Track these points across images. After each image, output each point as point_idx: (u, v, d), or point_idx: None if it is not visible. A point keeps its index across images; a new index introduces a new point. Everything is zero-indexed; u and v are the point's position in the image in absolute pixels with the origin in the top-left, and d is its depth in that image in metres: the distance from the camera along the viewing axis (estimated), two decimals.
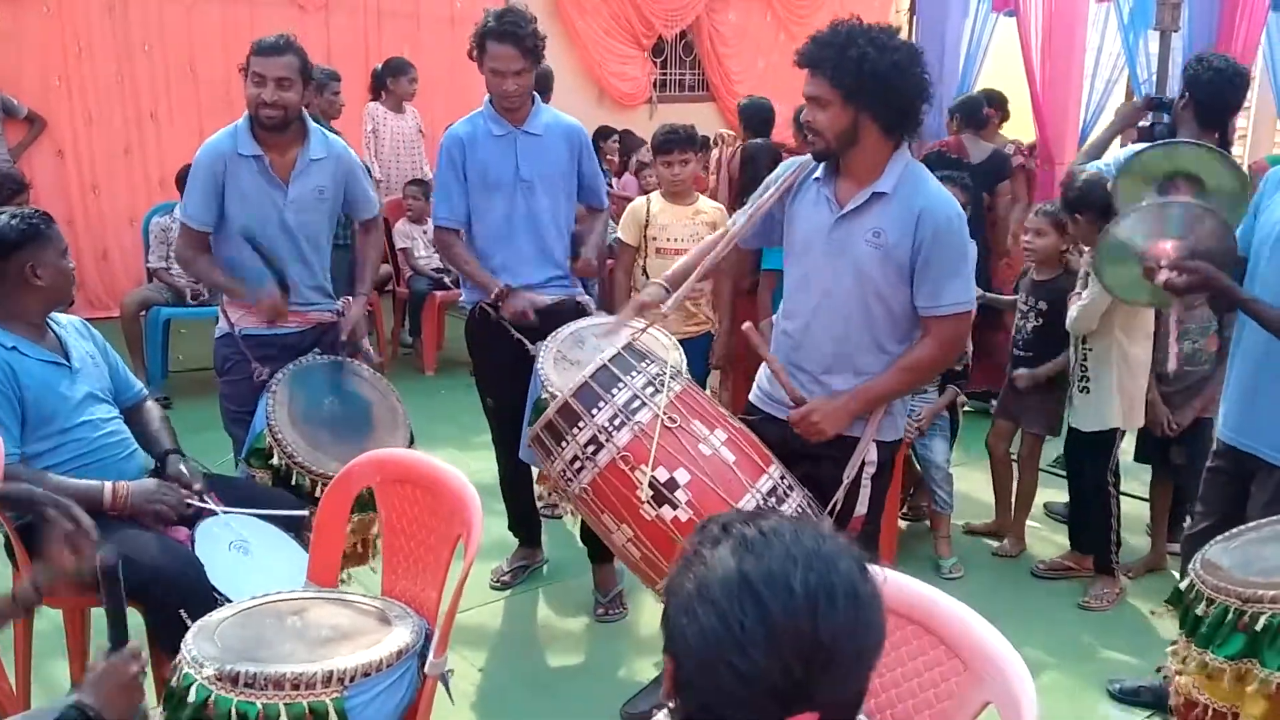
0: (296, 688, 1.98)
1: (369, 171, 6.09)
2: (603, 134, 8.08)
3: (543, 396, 3.16)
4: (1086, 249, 3.94)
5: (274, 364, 3.40)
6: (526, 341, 3.52)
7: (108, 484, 2.70)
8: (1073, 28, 8.22)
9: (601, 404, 2.55)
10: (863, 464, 2.69)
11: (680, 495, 2.47)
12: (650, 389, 2.58)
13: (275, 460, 3.17)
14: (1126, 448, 3.99)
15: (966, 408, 4.42)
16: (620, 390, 2.57)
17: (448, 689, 2.24)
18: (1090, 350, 3.76)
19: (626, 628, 3.68)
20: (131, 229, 7.17)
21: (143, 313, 5.93)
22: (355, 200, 3.68)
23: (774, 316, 2.95)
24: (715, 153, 6.06)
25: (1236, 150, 9.26)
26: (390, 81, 7.33)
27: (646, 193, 5.05)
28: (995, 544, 4.36)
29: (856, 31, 2.51)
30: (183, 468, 2.91)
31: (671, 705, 1.20)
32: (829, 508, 2.66)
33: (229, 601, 2.40)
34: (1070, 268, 4.07)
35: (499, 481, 3.90)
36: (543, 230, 3.66)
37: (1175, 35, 5.60)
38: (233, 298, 3.50)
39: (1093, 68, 8.46)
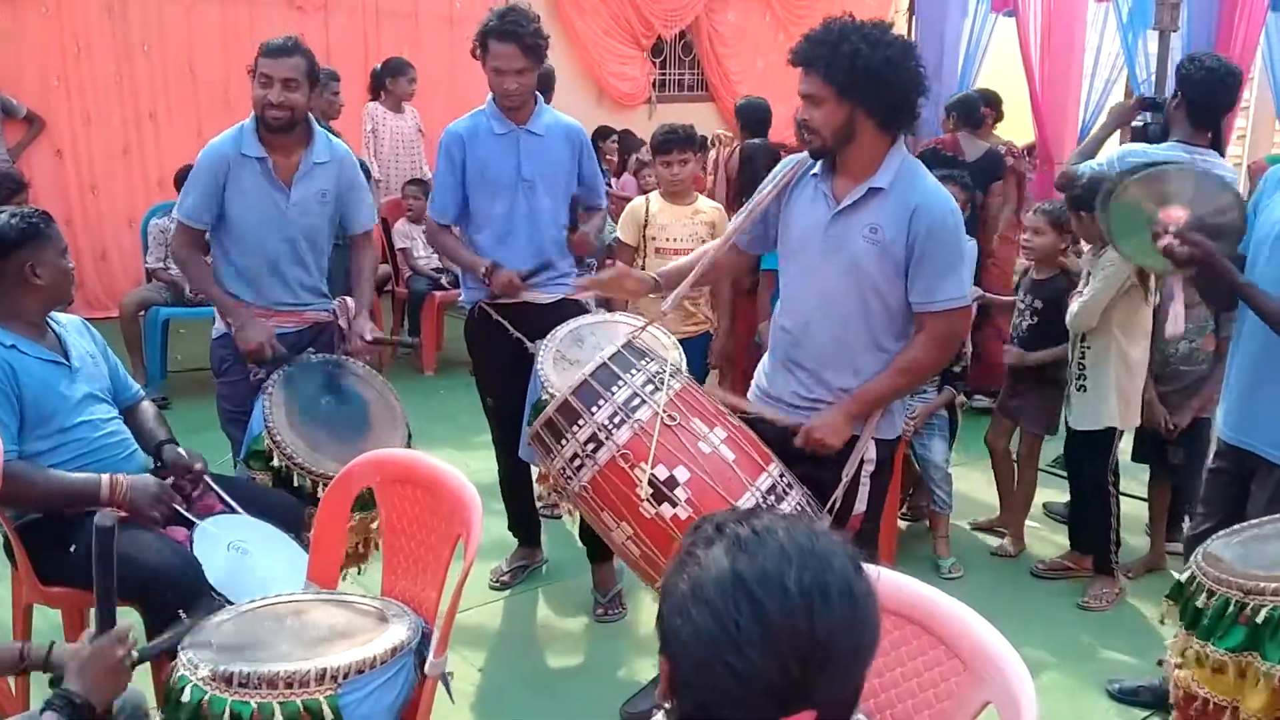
0: (290, 686, 1.98)
1: (368, 172, 6.11)
2: (602, 134, 8.08)
3: (542, 398, 3.16)
4: (1087, 248, 3.95)
5: (271, 364, 3.40)
6: (526, 341, 3.53)
7: (105, 477, 2.69)
8: (1072, 27, 8.23)
9: (601, 402, 2.55)
10: (861, 462, 2.69)
11: (680, 493, 2.46)
12: (650, 387, 2.58)
13: (275, 462, 3.17)
14: (1124, 447, 3.98)
15: (964, 406, 4.42)
16: (620, 388, 2.57)
17: (448, 689, 2.24)
18: (1089, 348, 3.77)
19: (626, 627, 3.68)
20: (130, 229, 7.17)
21: (141, 313, 5.93)
22: (351, 209, 3.66)
23: (773, 315, 2.95)
24: (712, 154, 6.07)
25: (1235, 150, 9.28)
26: (389, 81, 7.33)
27: (645, 193, 5.05)
28: (994, 543, 4.36)
29: (849, 28, 2.52)
30: (181, 451, 2.91)
31: (668, 706, 1.20)
32: (828, 506, 2.65)
33: (228, 602, 2.40)
34: (1067, 268, 4.08)
35: (498, 481, 3.90)
36: (543, 230, 3.66)
37: (1174, 35, 5.61)
38: (219, 306, 3.49)
39: (1092, 67, 8.47)
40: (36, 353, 2.76)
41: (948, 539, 4.19)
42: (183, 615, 2.27)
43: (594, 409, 2.55)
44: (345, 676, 2.02)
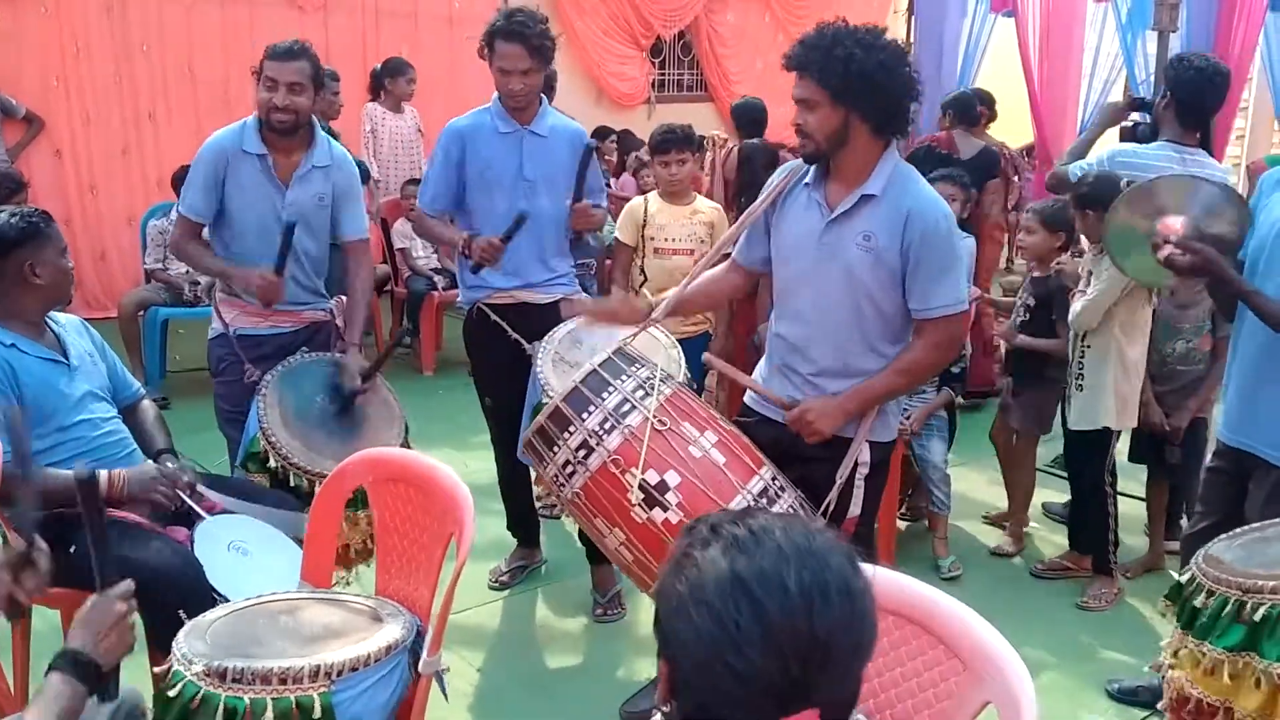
0: (284, 682, 1.98)
1: (367, 173, 6.11)
2: (601, 134, 8.08)
3: (542, 400, 3.16)
4: (1089, 247, 3.95)
5: (268, 364, 3.40)
6: (524, 342, 3.53)
7: (103, 472, 2.69)
8: (1070, 28, 8.25)
9: (592, 408, 2.56)
10: (856, 465, 2.69)
11: (671, 497, 2.47)
12: (640, 392, 2.58)
13: (271, 463, 3.17)
14: (1121, 448, 3.98)
15: (962, 406, 4.43)
16: (610, 394, 2.57)
17: (443, 687, 2.24)
18: (1089, 348, 3.76)
19: (625, 628, 3.68)
20: (129, 229, 7.17)
21: (140, 313, 5.93)
22: (345, 215, 3.64)
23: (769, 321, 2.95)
24: (708, 155, 6.07)
25: (1235, 150, 9.29)
26: (388, 82, 7.33)
27: (644, 193, 5.05)
28: (993, 542, 4.36)
29: (843, 33, 2.52)
30: (171, 463, 2.91)
31: (667, 709, 1.20)
32: (822, 509, 2.65)
33: (228, 602, 2.40)
34: (1063, 269, 4.10)
35: (497, 481, 3.90)
36: (543, 230, 3.66)
37: (1173, 35, 5.61)
38: (226, 281, 3.48)
39: (1090, 68, 8.49)
40: (36, 351, 2.76)
41: (946, 540, 4.19)
42: (183, 615, 2.27)
43: (585, 415, 2.55)
44: (339, 674, 2.02)
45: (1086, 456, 3.88)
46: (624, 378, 2.61)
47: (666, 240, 4.34)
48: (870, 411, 2.69)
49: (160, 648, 2.51)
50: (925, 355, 2.69)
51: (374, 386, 3.46)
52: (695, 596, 1.12)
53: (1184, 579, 2.36)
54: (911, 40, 9.12)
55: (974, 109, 6.35)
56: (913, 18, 9.25)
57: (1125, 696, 3.28)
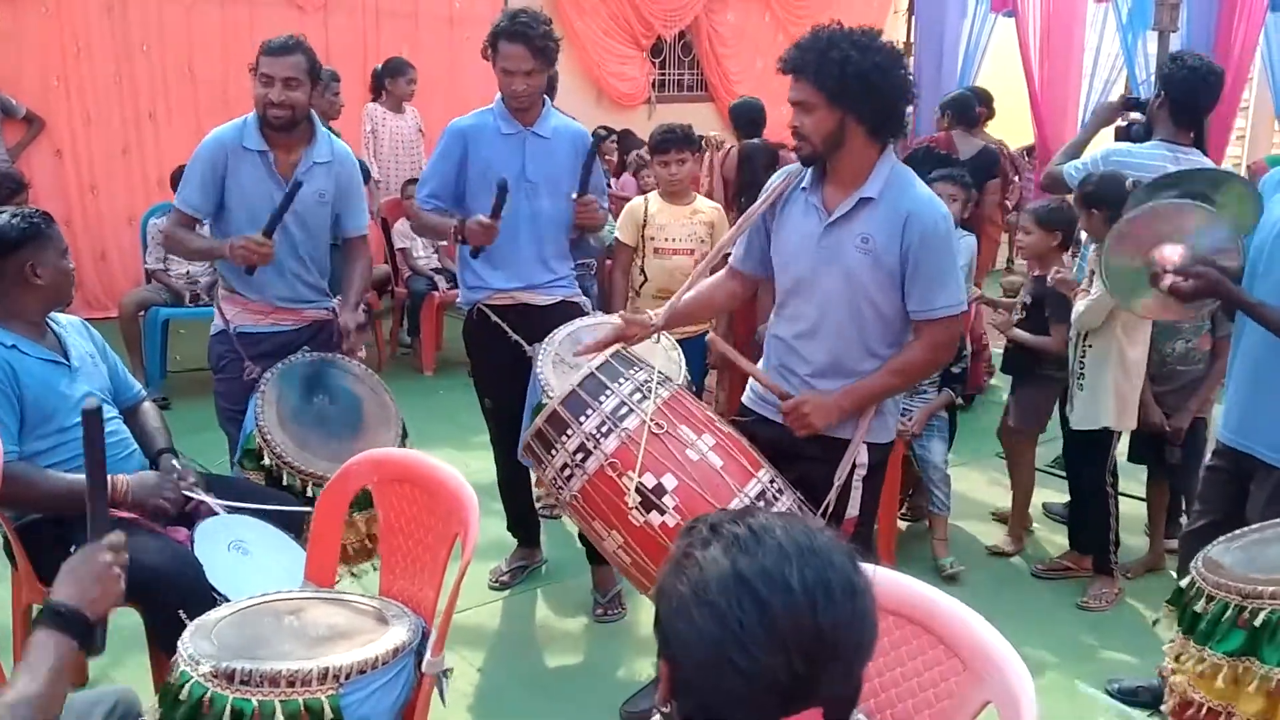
0: (292, 684, 1.98)
1: (368, 173, 6.11)
2: (601, 134, 8.07)
3: (542, 401, 3.16)
4: (1094, 246, 3.94)
5: (268, 361, 3.41)
6: (524, 343, 3.53)
7: (107, 477, 2.69)
8: (1071, 28, 8.25)
9: (589, 411, 2.56)
10: (854, 466, 2.70)
11: (668, 501, 2.47)
12: (638, 395, 2.58)
13: (266, 461, 3.17)
14: (1121, 448, 3.99)
15: (962, 407, 4.44)
16: (608, 397, 2.57)
17: (442, 691, 2.24)
18: (1090, 347, 3.76)
19: (625, 628, 3.68)
20: (130, 229, 7.16)
21: (141, 313, 5.93)
22: (347, 211, 3.65)
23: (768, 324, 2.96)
24: (706, 156, 6.07)
25: (1235, 150, 9.29)
26: (388, 82, 7.33)
27: (645, 193, 5.05)
28: (990, 541, 4.36)
29: (838, 35, 2.53)
30: (175, 464, 2.92)
31: (666, 709, 1.20)
32: (821, 510, 2.66)
33: (228, 602, 2.40)
34: (1060, 276, 4.11)
35: (497, 482, 3.90)
36: (543, 232, 3.66)
37: (1173, 35, 5.60)
38: (217, 256, 3.45)
39: (1091, 68, 8.48)
40: (37, 353, 2.76)
41: (946, 540, 4.19)
42: (183, 615, 2.27)
43: (582, 419, 2.56)
44: (347, 677, 2.02)
45: (1086, 456, 3.89)
46: (621, 381, 2.61)
47: (667, 240, 4.34)
48: (867, 411, 2.70)
49: (162, 647, 2.52)
50: (923, 356, 2.70)
51: (374, 386, 3.47)
52: (698, 596, 1.13)
53: (1184, 583, 2.36)
54: (911, 40, 9.13)
55: (972, 109, 6.36)
56: (913, 18, 9.25)
57: (1125, 697, 3.28)
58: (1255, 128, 10.32)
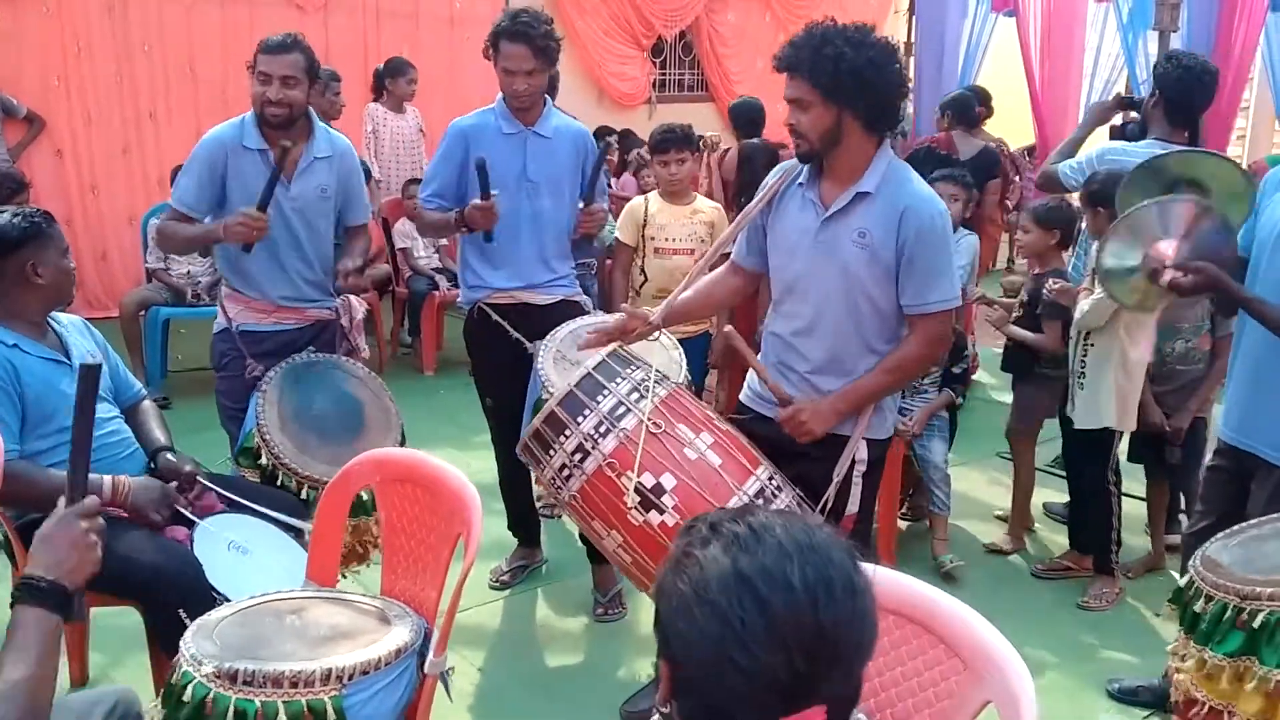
0: (295, 685, 1.98)
1: (369, 173, 6.11)
2: (602, 134, 8.07)
3: (542, 396, 3.16)
4: (1095, 244, 3.95)
5: (270, 360, 3.40)
6: (525, 342, 3.53)
7: (107, 478, 2.70)
8: (1072, 28, 8.25)
9: (587, 411, 2.56)
10: (853, 462, 2.70)
11: (667, 500, 2.47)
12: (635, 395, 2.58)
13: (263, 461, 3.17)
14: (1121, 447, 3.99)
15: (962, 406, 4.44)
16: (605, 397, 2.57)
17: (447, 688, 2.24)
18: (1092, 346, 3.76)
19: (626, 627, 3.68)
20: (130, 229, 7.17)
21: (142, 313, 5.94)
22: (350, 203, 3.66)
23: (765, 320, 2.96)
24: (704, 156, 6.07)
25: (1235, 150, 9.29)
26: (389, 82, 7.33)
27: (645, 193, 5.05)
28: (988, 539, 4.37)
29: (831, 32, 2.54)
30: (171, 457, 2.91)
31: (666, 710, 1.20)
32: (820, 506, 2.66)
33: (228, 602, 2.40)
34: (1059, 268, 4.12)
35: (498, 481, 3.90)
36: (544, 231, 3.66)
37: (1174, 35, 5.61)
38: (211, 239, 3.42)
39: (1092, 68, 8.48)
40: (38, 351, 2.76)
41: (946, 540, 4.19)
42: (183, 615, 2.27)
43: (580, 419, 2.56)
44: (350, 677, 2.02)
45: (1087, 456, 3.88)
46: (618, 380, 2.61)
47: (667, 240, 4.34)
48: (866, 409, 2.70)
49: (162, 647, 2.52)
50: (916, 352, 2.70)
51: (376, 389, 3.47)
52: (698, 595, 1.13)
53: (1183, 582, 2.37)
54: (912, 40, 9.13)
55: (972, 109, 6.37)
56: (913, 18, 9.24)
57: (1126, 696, 3.28)
58: (1255, 128, 10.33)
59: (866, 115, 2.57)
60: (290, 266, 3.50)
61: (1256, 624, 2.12)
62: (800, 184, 2.71)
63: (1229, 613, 2.18)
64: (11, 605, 1.63)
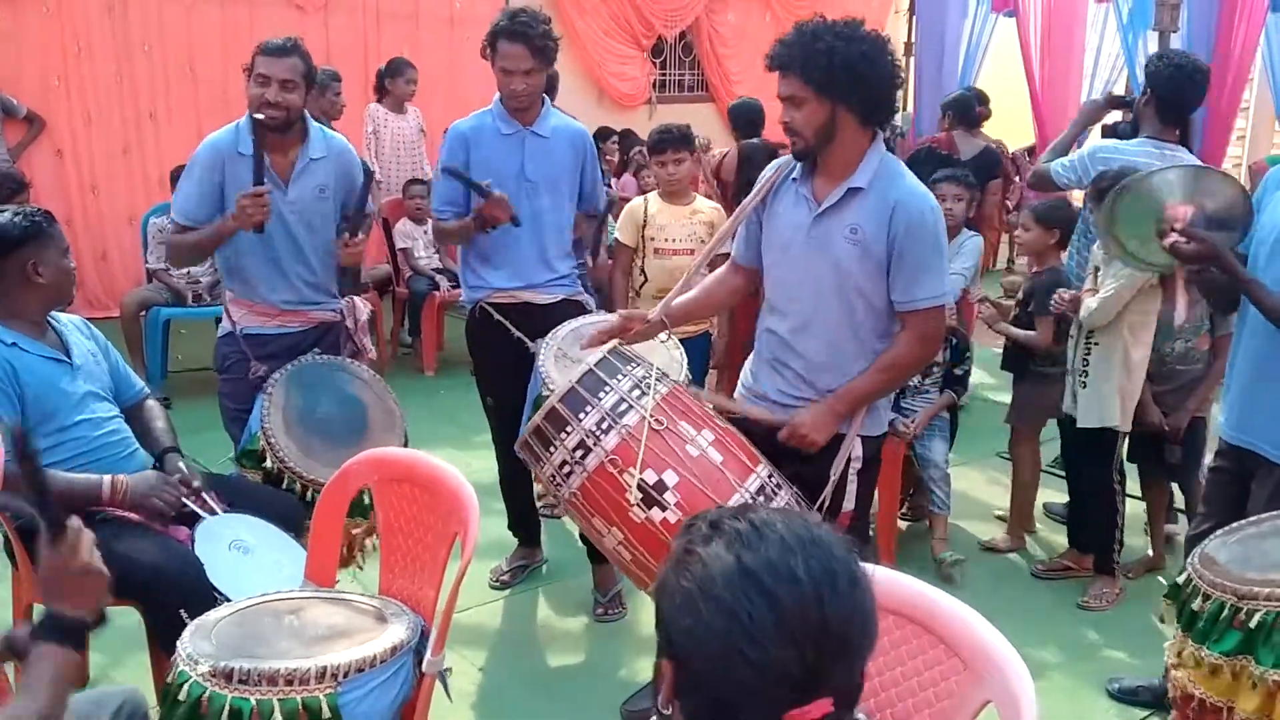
0: (290, 683, 1.99)
1: (369, 173, 6.10)
2: (602, 134, 8.08)
3: (543, 394, 3.17)
4: (1099, 244, 3.94)
5: (274, 363, 3.40)
6: (527, 341, 3.53)
7: (106, 477, 2.70)
8: (1072, 28, 8.24)
9: (588, 408, 2.55)
10: (849, 460, 2.70)
11: (669, 497, 2.47)
12: (636, 392, 2.58)
13: (268, 464, 3.17)
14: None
15: (964, 406, 4.45)
16: (607, 394, 2.57)
17: (445, 687, 2.24)
18: (1095, 344, 3.76)
19: (626, 627, 3.68)
20: (131, 229, 7.17)
21: (142, 313, 5.94)
22: (352, 196, 3.66)
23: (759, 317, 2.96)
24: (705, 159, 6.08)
25: (1235, 150, 9.29)
26: (388, 82, 7.34)
27: (646, 193, 5.05)
28: (986, 537, 4.37)
29: (822, 28, 2.54)
30: (182, 465, 2.92)
31: (668, 712, 1.20)
32: (817, 504, 2.66)
33: (229, 601, 2.40)
34: (1057, 267, 4.12)
35: (498, 481, 3.90)
36: (544, 231, 3.66)
37: (1174, 36, 5.60)
38: (222, 235, 3.38)
39: (1092, 68, 8.48)
40: (38, 350, 2.77)
41: (946, 539, 4.19)
42: (184, 614, 2.27)
43: (581, 415, 2.55)
44: (345, 675, 2.02)
45: (1088, 455, 3.88)
46: (620, 377, 2.61)
47: (667, 240, 4.34)
48: (861, 409, 2.71)
49: (163, 647, 2.52)
50: (909, 350, 2.71)
51: (380, 391, 3.47)
52: (704, 591, 1.13)
53: (1181, 580, 2.37)
54: (912, 40, 9.12)
55: (973, 109, 6.38)
56: (913, 18, 9.23)
57: (1126, 696, 3.28)
58: (1255, 128, 10.33)
59: (861, 109, 2.57)
60: (291, 271, 3.49)
61: (1253, 624, 2.13)
62: (794, 179, 2.72)
63: (1226, 612, 2.19)
64: (31, 640, 1.63)
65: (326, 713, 1.98)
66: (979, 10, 8.76)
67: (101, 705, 2.00)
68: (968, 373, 4.40)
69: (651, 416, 2.53)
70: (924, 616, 1.75)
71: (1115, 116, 4.68)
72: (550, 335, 3.43)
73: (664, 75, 10.56)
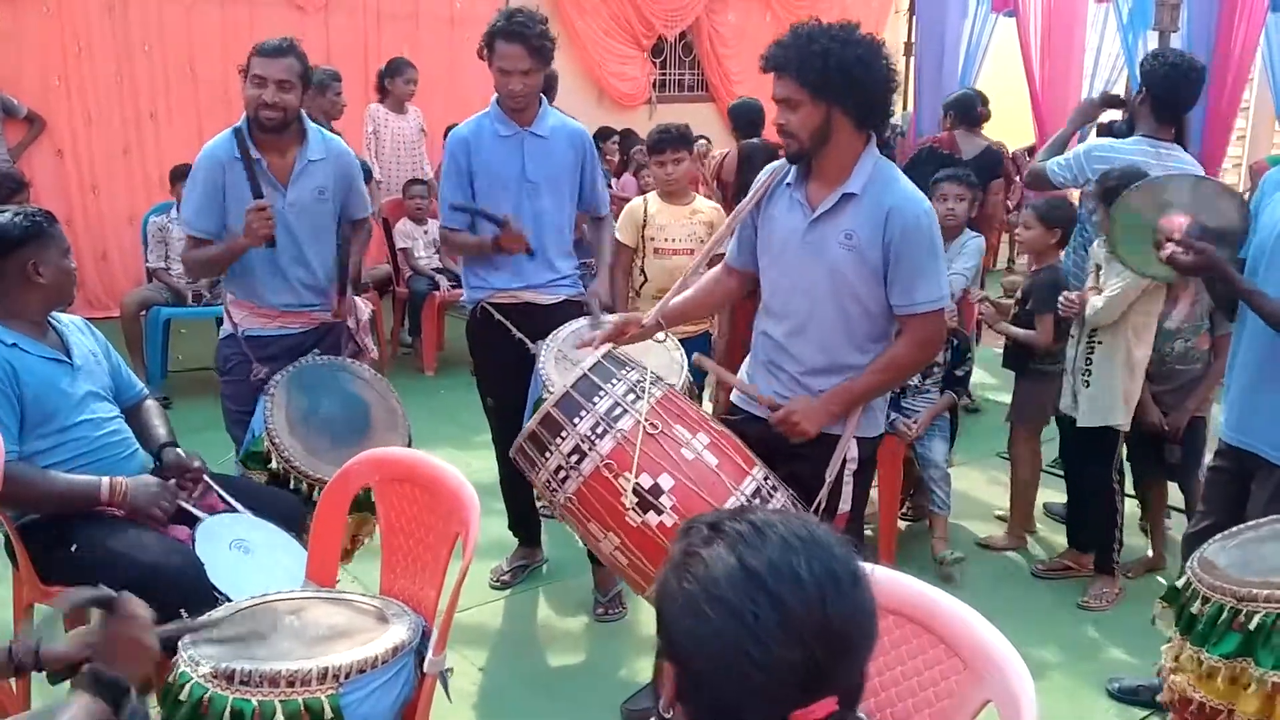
0: (292, 684, 1.98)
1: (369, 173, 6.11)
2: (602, 134, 8.08)
3: (543, 396, 3.17)
4: (1098, 243, 3.95)
5: (276, 364, 3.40)
6: (527, 341, 3.53)
7: (105, 479, 2.70)
8: (1072, 28, 8.23)
9: (583, 413, 2.55)
10: (844, 461, 2.70)
11: (665, 501, 2.47)
12: (631, 396, 2.58)
13: (273, 465, 3.18)
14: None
15: (965, 407, 4.45)
16: (602, 398, 2.57)
17: (446, 687, 2.24)
18: (1098, 344, 3.76)
19: (626, 627, 3.68)
20: (131, 229, 7.17)
21: (142, 313, 5.94)
22: (351, 199, 3.67)
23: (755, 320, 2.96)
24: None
25: (1235, 150, 9.29)
26: (389, 82, 7.34)
27: (645, 193, 5.05)
28: (983, 534, 4.37)
29: (817, 31, 2.54)
30: (180, 452, 2.92)
31: (669, 715, 1.20)
32: (814, 506, 2.67)
33: (229, 601, 2.40)
34: (1055, 266, 4.12)
35: (499, 481, 3.90)
36: (545, 231, 3.66)
37: (1174, 36, 5.61)
38: (234, 252, 3.39)
39: (1092, 68, 8.47)
40: (38, 351, 2.76)
41: (946, 539, 4.19)
42: (184, 614, 2.27)
43: (576, 420, 2.55)
44: (347, 676, 2.02)
45: (1087, 454, 3.88)
46: (614, 381, 2.61)
47: (666, 240, 4.34)
48: (856, 409, 2.71)
49: (162, 648, 2.51)
50: (907, 352, 2.71)
51: (382, 390, 3.47)
52: (708, 593, 1.13)
53: (1180, 583, 2.37)
54: (912, 40, 9.12)
55: (975, 109, 6.37)
56: (913, 18, 9.23)
57: (1126, 696, 3.29)
58: (1255, 128, 10.32)
59: (856, 112, 2.57)
60: (290, 273, 3.49)
61: (1253, 626, 2.13)
62: (788, 184, 2.72)
63: (1225, 614, 2.19)
64: (70, 693, 1.64)
65: (328, 713, 1.98)
66: (979, 10, 8.75)
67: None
68: (969, 374, 4.40)
69: (646, 420, 2.53)
70: (924, 616, 1.75)
71: (1111, 115, 4.69)
72: (550, 337, 3.43)
73: (664, 75, 10.56)
